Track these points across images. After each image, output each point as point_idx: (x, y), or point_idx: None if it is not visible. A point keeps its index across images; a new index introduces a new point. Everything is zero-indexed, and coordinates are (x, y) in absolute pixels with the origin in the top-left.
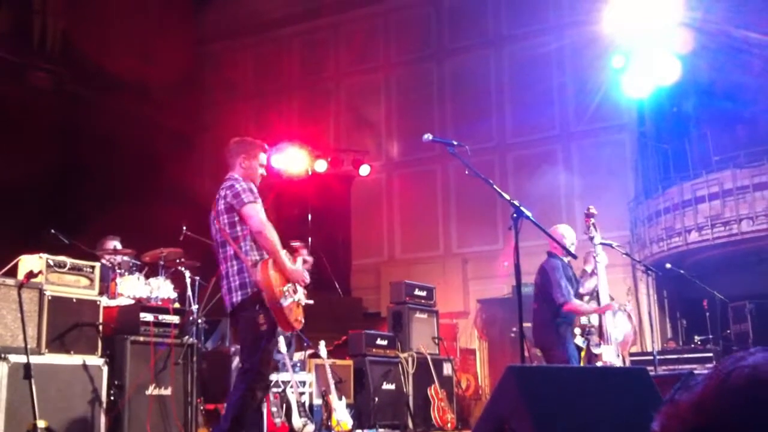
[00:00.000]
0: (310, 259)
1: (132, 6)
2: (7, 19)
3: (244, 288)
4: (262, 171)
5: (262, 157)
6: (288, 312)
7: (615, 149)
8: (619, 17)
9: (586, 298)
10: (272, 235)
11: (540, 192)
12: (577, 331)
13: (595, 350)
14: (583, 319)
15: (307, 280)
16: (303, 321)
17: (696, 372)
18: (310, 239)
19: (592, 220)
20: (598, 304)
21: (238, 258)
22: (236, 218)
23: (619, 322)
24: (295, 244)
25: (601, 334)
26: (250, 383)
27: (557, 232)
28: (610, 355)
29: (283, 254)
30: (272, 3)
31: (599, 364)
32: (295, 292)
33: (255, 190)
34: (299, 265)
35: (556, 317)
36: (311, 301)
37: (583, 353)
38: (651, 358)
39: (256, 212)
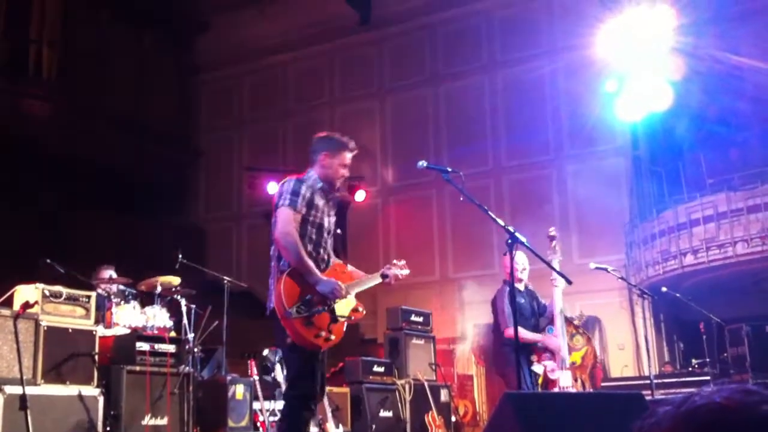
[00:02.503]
0: (396, 273)
1: (127, 36)
2: (2, 48)
3: (270, 297)
4: (344, 172)
5: (347, 157)
6: (302, 326)
7: (609, 173)
8: (612, 42)
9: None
10: (290, 243)
11: (536, 216)
12: (534, 358)
13: (552, 376)
14: (540, 346)
15: (342, 294)
16: (333, 338)
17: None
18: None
19: (554, 243)
20: (552, 325)
21: (274, 261)
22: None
23: (577, 346)
24: (396, 262)
25: (555, 359)
26: (293, 398)
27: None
28: (566, 380)
29: (310, 264)
30: (266, 31)
31: (556, 389)
32: (321, 305)
33: (306, 193)
34: (366, 280)
35: (504, 342)
36: (359, 316)
37: (540, 380)
38: (648, 382)
39: (284, 217)
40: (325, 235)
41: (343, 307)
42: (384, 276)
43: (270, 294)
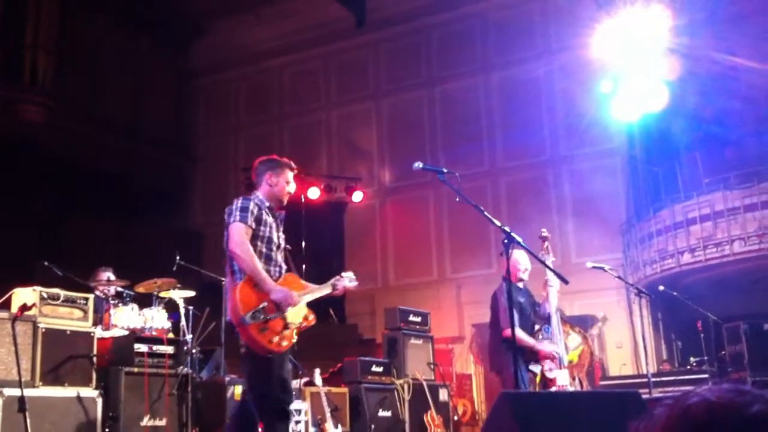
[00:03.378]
0: (344, 285)
1: (123, 41)
2: None
3: (228, 310)
4: (289, 189)
5: (290, 176)
6: (257, 332)
7: (606, 173)
8: (607, 43)
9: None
10: (245, 254)
11: (533, 216)
12: (531, 356)
13: (549, 375)
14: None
15: (294, 301)
16: (286, 344)
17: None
18: (304, 267)
19: (546, 243)
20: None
21: (229, 276)
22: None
23: (573, 344)
24: (344, 274)
25: (553, 358)
26: (271, 415)
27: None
28: (564, 379)
29: (263, 274)
30: (262, 35)
31: (554, 388)
32: (274, 311)
33: (254, 209)
34: (316, 290)
35: (503, 341)
36: (310, 323)
37: (538, 378)
38: (646, 380)
39: (236, 231)
40: (275, 249)
41: (295, 314)
42: (334, 287)
43: (227, 308)
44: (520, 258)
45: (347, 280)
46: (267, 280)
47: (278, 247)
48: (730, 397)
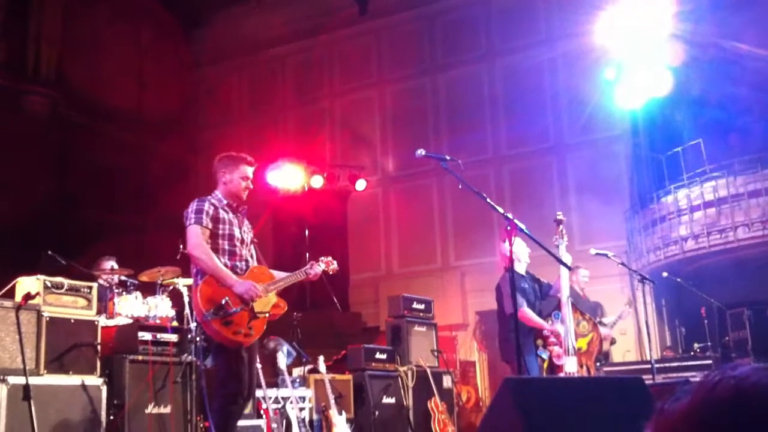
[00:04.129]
0: (317, 270)
1: (126, 32)
2: (1, 45)
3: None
4: (246, 184)
5: (246, 170)
6: (221, 326)
7: (609, 160)
8: (611, 30)
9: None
10: (203, 254)
11: (536, 203)
12: (540, 342)
13: (558, 361)
14: (545, 330)
15: (257, 293)
16: (252, 334)
17: (691, 380)
18: (307, 255)
19: (561, 227)
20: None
21: (194, 278)
22: None
23: (582, 332)
24: (323, 258)
25: (561, 345)
26: (221, 396)
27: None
28: (572, 366)
29: (223, 271)
30: (264, 24)
31: (561, 375)
32: (239, 305)
33: (209, 209)
34: (286, 278)
35: (511, 329)
36: (281, 311)
37: (545, 365)
38: (649, 366)
39: (193, 233)
40: (238, 245)
41: (263, 304)
42: (306, 273)
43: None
44: (517, 247)
45: (323, 264)
46: (228, 276)
47: (242, 242)
48: (758, 375)
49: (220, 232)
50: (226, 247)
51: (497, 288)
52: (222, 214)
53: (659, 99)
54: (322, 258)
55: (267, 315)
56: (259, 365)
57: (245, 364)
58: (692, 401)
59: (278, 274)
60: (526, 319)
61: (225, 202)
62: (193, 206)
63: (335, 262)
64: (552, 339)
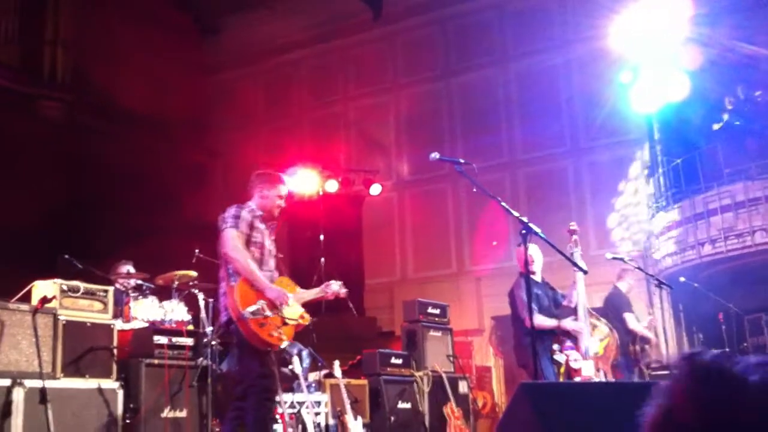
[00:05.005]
0: (335, 289)
1: (142, 37)
2: (17, 50)
3: (226, 309)
4: (280, 203)
5: (282, 190)
6: (257, 326)
7: (625, 164)
8: (626, 33)
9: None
10: (240, 257)
11: (553, 207)
12: (556, 347)
13: (574, 365)
14: (561, 334)
15: (286, 300)
16: (284, 339)
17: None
18: (322, 260)
19: (575, 237)
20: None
21: (224, 280)
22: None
23: (599, 336)
24: (337, 282)
25: (578, 349)
26: (257, 394)
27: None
28: (588, 370)
29: (259, 274)
30: (279, 29)
31: (578, 379)
32: (272, 309)
33: (247, 216)
34: (307, 292)
35: (526, 333)
36: (306, 322)
37: (562, 369)
38: (667, 372)
39: (229, 237)
40: (267, 255)
41: (292, 312)
42: (324, 291)
43: (222, 309)
44: (532, 252)
45: (337, 286)
46: (262, 280)
47: (270, 252)
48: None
49: (253, 239)
50: (257, 255)
51: (510, 292)
52: (257, 223)
53: (675, 103)
54: (335, 281)
55: (296, 323)
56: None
57: (275, 364)
58: (679, 375)
59: (299, 289)
60: (538, 325)
61: (259, 213)
62: (231, 211)
63: (344, 287)
64: (568, 343)
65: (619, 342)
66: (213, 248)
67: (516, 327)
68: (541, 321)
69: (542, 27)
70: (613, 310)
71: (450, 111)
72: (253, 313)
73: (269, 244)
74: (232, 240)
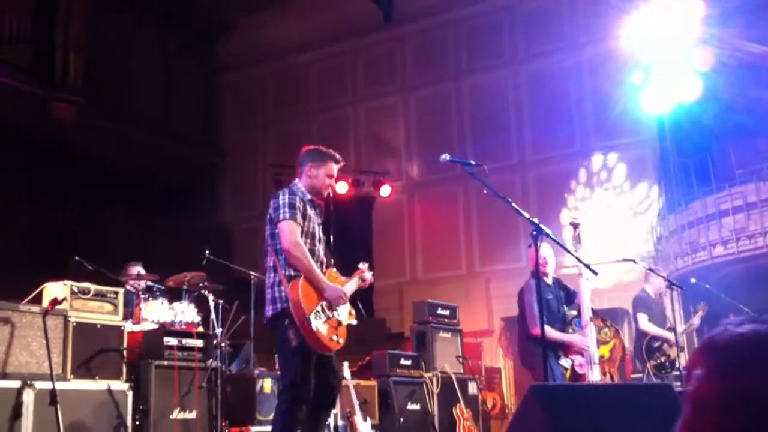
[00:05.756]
0: (369, 277)
1: (152, 39)
2: (29, 53)
3: (274, 303)
4: (330, 182)
5: (333, 168)
6: (319, 331)
7: (636, 165)
8: (637, 34)
9: (574, 312)
10: (301, 253)
11: (563, 209)
12: (560, 352)
13: (580, 370)
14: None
15: (346, 299)
16: (342, 342)
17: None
18: (332, 261)
19: (577, 231)
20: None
21: (276, 270)
22: (276, 230)
23: (604, 339)
24: (362, 265)
25: (583, 353)
26: (287, 401)
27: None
28: (595, 376)
29: (318, 273)
30: (288, 31)
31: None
32: (330, 310)
33: (300, 205)
34: (351, 285)
35: (531, 337)
36: (354, 322)
37: (568, 373)
38: (678, 373)
39: (289, 230)
40: (317, 243)
41: (344, 311)
42: (361, 280)
43: (268, 303)
44: (544, 252)
45: (369, 274)
46: (321, 279)
47: (320, 240)
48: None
49: (305, 229)
50: (308, 245)
51: (520, 293)
52: (309, 210)
53: (687, 103)
54: (362, 265)
55: (348, 323)
56: None
57: (334, 370)
58: (698, 352)
59: (344, 279)
60: (547, 337)
61: (308, 197)
62: (284, 199)
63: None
64: (574, 348)
65: (625, 344)
66: (222, 251)
67: (522, 328)
68: (551, 334)
69: (553, 29)
70: (632, 310)
71: (460, 112)
72: (316, 316)
73: (318, 232)
74: (291, 234)
